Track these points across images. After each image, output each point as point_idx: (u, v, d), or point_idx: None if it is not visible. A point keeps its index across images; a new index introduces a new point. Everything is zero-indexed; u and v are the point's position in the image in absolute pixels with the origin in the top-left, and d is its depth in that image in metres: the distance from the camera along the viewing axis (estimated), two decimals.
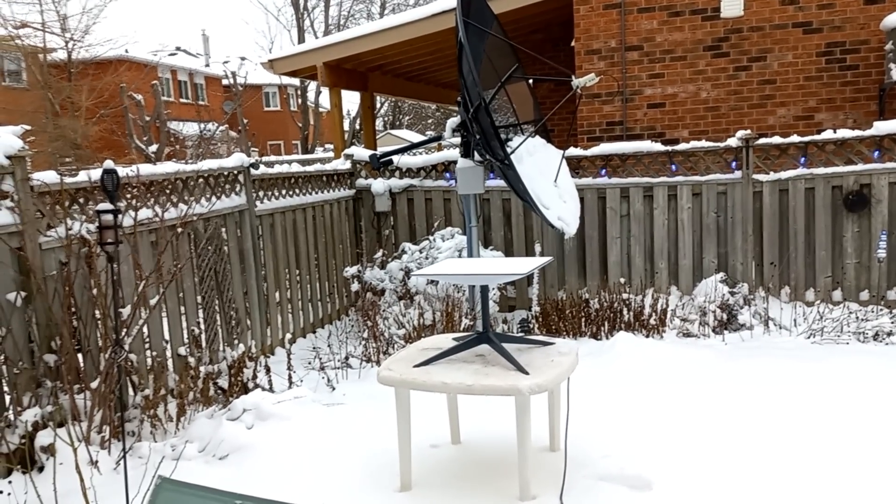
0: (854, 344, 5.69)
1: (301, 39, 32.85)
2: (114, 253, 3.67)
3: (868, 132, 6.42)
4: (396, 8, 32.56)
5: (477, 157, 5.73)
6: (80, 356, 4.00)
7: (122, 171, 4.18)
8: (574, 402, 3.88)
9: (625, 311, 6.28)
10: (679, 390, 4.73)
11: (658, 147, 6.92)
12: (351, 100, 36.33)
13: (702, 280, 6.72)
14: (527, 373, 3.28)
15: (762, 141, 6.68)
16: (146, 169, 4.67)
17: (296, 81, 35.48)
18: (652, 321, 6.19)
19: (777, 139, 6.68)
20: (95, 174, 4.04)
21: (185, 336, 4.97)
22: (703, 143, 6.86)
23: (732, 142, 6.71)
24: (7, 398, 3.72)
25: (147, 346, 4.55)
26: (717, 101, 8.73)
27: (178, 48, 40.15)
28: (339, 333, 6.79)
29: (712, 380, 4.92)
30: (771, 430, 4.02)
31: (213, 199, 5.41)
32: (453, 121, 5.78)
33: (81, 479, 3.19)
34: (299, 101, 37.75)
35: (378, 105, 34.64)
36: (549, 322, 6.44)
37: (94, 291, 4.02)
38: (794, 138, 6.64)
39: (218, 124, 22.94)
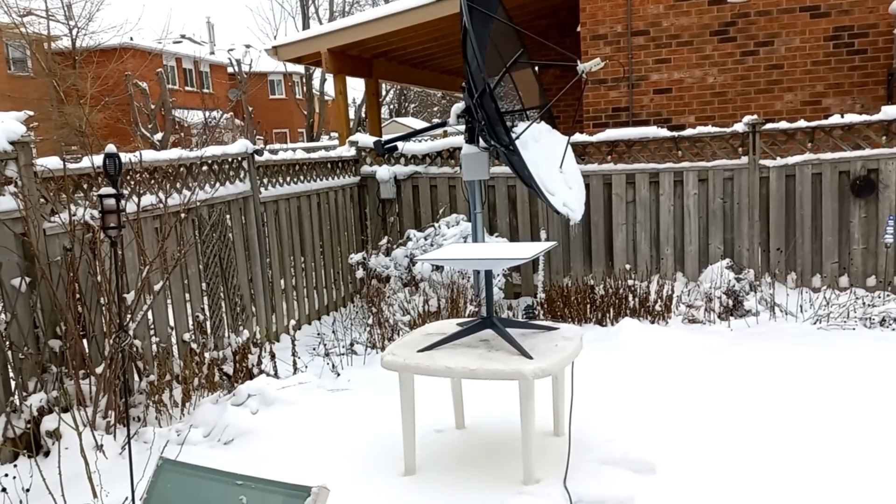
0: (860, 329, 5.67)
1: (306, 26, 32.80)
2: (117, 238, 3.66)
3: (876, 117, 6.36)
4: None
5: (482, 143, 5.71)
6: (84, 342, 4.01)
7: (126, 157, 4.17)
8: (579, 387, 3.88)
9: (630, 298, 6.27)
10: (684, 376, 4.72)
11: (664, 133, 6.87)
12: (356, 87, 36.21)
13: (708, 266, 6.69)
14: (531, 357, 3.27)
15: (769, 126, 6.64)
16: (149, 155, 4.66)
17: (301, 69, 35.43)
18: (657, 307, 6.17)
19: (784, 124, 6.63)
20: (99, 160, 4.03)
21: (190, 322, 4.98)
22: (710, 129, 6.81)
23: (739, 127, 6.67)
24: (13, 383, 3.74)
25: (152, 332, 4.56)
26: (724, 86, 8.67)
27: (182, 36, 40.13)
28: (344, 320, 6.78)
29: (717, 365, 4.91)
30: (776, 415, 4.01)
31: (218, 185, 5.40)
32: (458, 106, 5.76)
33: (87, 464, 3.21)
34: (304, 89, 37.66)
35: (383, 93, 34.56)
36: (555, 308, 6.43)
37: (99, 277, 4.02)
38: (801, 123, 6.59)
39: (223, 112, 22.91)
